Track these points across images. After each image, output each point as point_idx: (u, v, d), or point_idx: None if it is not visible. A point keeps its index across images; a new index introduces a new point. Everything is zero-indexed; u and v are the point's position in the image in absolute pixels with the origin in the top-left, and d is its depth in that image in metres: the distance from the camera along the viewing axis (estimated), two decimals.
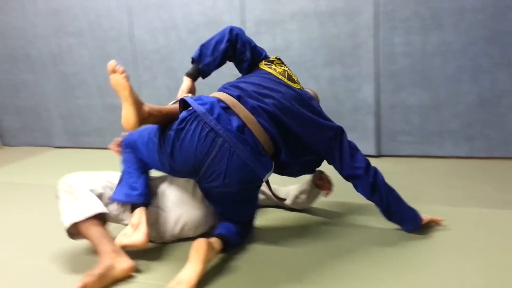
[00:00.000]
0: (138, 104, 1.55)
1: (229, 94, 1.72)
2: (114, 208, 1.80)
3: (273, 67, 1.99)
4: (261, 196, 2.25)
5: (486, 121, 3.16)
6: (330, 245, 1.89)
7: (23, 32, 4.31)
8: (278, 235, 2.00)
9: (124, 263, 1.61)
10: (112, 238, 1.68)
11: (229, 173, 1.59)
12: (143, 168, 1.85)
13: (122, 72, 1.54)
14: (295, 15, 3.40)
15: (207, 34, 3.60)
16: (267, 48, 3.54)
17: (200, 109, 1.59)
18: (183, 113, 1.63)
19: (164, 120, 1.69)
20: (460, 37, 3.07)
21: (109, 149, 2.12)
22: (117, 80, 1.53)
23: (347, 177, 1.88)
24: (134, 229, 1.67)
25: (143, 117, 1.56)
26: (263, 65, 2.00)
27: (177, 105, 1.74)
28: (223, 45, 1.95)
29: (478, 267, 1.61)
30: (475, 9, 3.00)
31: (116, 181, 1.85)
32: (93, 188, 1.75)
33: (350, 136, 3.51)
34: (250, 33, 3.53)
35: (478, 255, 1.69)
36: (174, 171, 1.75)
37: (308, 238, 1.96)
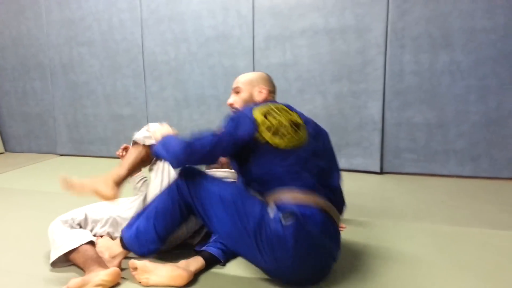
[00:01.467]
0: (99, 182, 1.68)
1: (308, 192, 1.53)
2: (100, 228, 1.87)
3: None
4: None
5: (492, 141, 3.19)
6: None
7: (35, 41, 4.39)
8: None
9: (109, 270, 1.60)
10: (96, 256, 1.70)
11: None
12: (172, 224, 1.64)
13: (73, 185, 1.65)
14: (305, 31, 3.46)
15: (217, 47, 3.72)
16: (276, 63, 3.65)
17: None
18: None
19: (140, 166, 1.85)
20: (470, 57, 3.13)
21: (118, 155, 2.19)
22: (82, 191, 1.66)
23: None
24: (109, 258, 1.72)
25: (117, 183, 1.71)
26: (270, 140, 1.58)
27: (141, 149, 1.83)
28: None
29: (480, 287, 1.60)
30: (486, 30, 3.06)
31: (97, 208, 1.91)
32: (75, 216, 1.85)
33: (355, 152, 3.58)
34: (259, 47, 3.61)
35: (482, 277, 1.68)
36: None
37: None
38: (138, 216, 1.68)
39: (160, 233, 1.61)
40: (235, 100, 1.84)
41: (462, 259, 1.83)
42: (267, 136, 1.53)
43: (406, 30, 3.23)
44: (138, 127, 4.17)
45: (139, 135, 1.84)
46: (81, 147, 4.47)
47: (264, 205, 1.49)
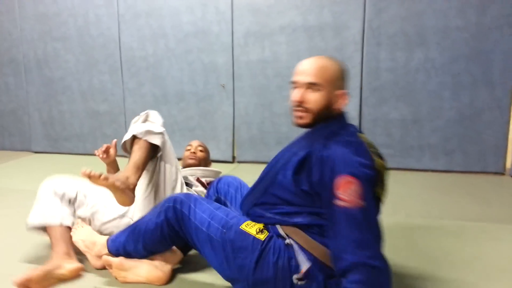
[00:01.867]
0: (126, 189, 1.54)
1: None
2: (83, 212, 1.85)
3: None
4: None
5: (465, 136, 3.29)
6: None
7: (8, 36, 4.27)
8: None
9: (72, 264, 1.63)
10: (69, 241, 1.73)
11: None
12: (164, 248, 1.61)
13: (99, 177, 1.44)
14: (284, 28, 3.49)
15: (196, 43, 3.71)
16: (255, 60, 3.67)
17: None
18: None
19: (146, 163, 1.71)
20: (443, 55, 3.22)
21: (96, 155, 2.05)
22: (102, 184, 1.48)
23: None
24: (95, 257, 1.68)
25: (130, 193, 1.57)
26: None
27: (137, 145, 1.72)
28: None
29: (453, 277, 1.66)
30: (459, 28, 3.15)
31: (89, 190, 1.86)
32: (67, 192, 1.84)
33: None
34: (238, 44, 3.61)
35: (454, 266, 1.74)
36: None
37: None
38: (124, 235, 1.60)
39: (152, 250, 1.59)
40: (311, 100, 1.35)
41: (434, 250, 1.90)
42: (378, 188, 1.27)
43: (382, 28, 3.29)
44: (115, 123, 4.13)
45: (140, 129, 1.74)
46: (57, 144, 4.39)
47: (259, 244, 1.32)
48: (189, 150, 2.39)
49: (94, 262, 1.69)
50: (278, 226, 1.35)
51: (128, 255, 1.60)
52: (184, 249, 1.69)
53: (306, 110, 1.35)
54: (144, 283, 1.57)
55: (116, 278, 1.59)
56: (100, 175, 1.44)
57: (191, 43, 3.75)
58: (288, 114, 3.61)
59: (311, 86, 1.33)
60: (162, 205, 1.51)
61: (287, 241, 1.30)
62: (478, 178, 3.20)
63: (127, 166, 1.64)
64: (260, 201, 1.41)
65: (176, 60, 3.83)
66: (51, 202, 1.80)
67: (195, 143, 2.44)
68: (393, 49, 3.30)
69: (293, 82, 1.39)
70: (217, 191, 1.83)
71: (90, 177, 1.43)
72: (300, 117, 1.37)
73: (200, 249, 1.45)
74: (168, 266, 1.62)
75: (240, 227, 1.36)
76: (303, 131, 1.44)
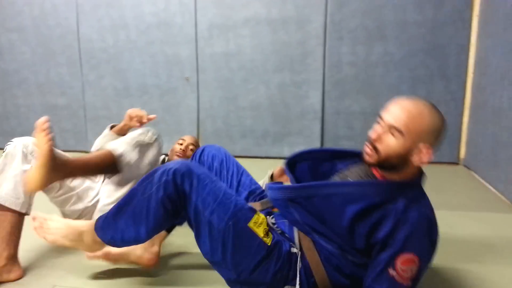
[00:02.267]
0: (50, 168, 1.38)
1: None
2: (53, 196, 1.71)
3: None
4: None
5: None
6: None
7: None
8: None
9: (12, 274, 1.51)
10: (18, 236, 1.53)
11: None
12: (167, 224, 1.41)
13: (48, 136, 1.34)
14: (247, 21, 3.50)
15: (158, 35, 3.65)
16: (219, 52, 3.66)
17: None
18: None
19: (91, 173, 1.63)
20: (402, 49, 3.33)
21: (131, 112, 2.04)
22: (41, 142, 1.34)
23: None
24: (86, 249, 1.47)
25: (50, 181, 1.42)
26: None
27: (105, 153, 1.60)
28: None
29: None
30: (417, 23, 3.28)
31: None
32: None
33: (297, 141, 3.70)
34: (202, 36, 3.59)
35: None
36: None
37: None
38: (121, 220, 1.34)
39: (153, 232, 1.37)
40: (385, 143, 1.23)
41: None
42: None
43: (344, 22, 3.37)
44: (74, 117, 4.01)
45: (130, 156, 1.62)
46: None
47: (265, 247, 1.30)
48: (180, 144, 2.21)
49: (88, 250, 1.44)
50: (295, 231, 1.33)
51: (125, 242, 1.38)
52: (169, 227, 1.65)
53: (375, 150, 1.24)
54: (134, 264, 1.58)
55: None
56: (49, 135, 1.33)
57: (154, 35, 3.69)
58: (253, 107, 3.64)
59: (392, 129, 1.22)
60: (159, 178, 1.29)
61: (294, 249, 1.30)
62: (434, 168, 3.32)
63: (78, 157, 1.51)
64: (298, 201, 1.29)
65: (138, 52, 3.76)
66: (14, 177, 1.51)
67: (188, 139, 2.26)
68: (354, 43, 3.38)
69: (380, 116, 1.29)
70: (200, 164, 1.68)
71: (41, 129, 1.32)
72: (367, 154, 1.27)
73: (193, 226, 1.34)
74: (155, 247, 1.60)
75: (248, 224, 1.30)
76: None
